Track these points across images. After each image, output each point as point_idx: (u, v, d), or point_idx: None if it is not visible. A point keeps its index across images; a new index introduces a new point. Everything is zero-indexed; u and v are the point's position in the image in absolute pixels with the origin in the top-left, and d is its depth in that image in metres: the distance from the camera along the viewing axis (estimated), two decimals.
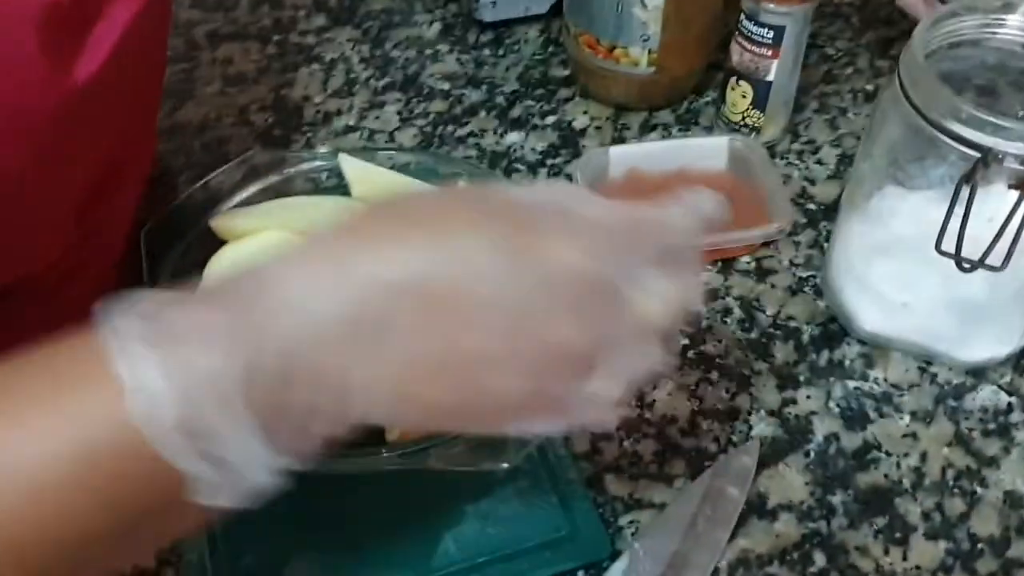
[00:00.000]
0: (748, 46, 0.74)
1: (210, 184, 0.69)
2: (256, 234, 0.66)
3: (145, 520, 0.36)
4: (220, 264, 0.64)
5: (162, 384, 0.33)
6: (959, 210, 0.54)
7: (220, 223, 0.66)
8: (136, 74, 0.58)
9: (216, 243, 0.67)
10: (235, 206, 0.67)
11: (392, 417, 0.42)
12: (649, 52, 0.77)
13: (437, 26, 0.91)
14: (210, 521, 0.38)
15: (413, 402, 0.38)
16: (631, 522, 0.56)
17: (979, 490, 0.58)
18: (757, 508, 0.57)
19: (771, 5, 0.71)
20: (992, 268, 0.55)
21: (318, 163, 0.71)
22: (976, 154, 0.53)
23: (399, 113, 0.83)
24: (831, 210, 0.74)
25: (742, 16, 0.73)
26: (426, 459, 0.55)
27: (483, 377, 0.38)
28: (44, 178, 0.50)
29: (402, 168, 0.71)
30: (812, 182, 0.76)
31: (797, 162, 0.78)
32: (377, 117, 0.83)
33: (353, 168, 0.69)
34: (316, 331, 0.36)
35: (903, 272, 0.62)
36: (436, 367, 0.37)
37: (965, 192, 0.53)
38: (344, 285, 0.36)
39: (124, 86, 0.56)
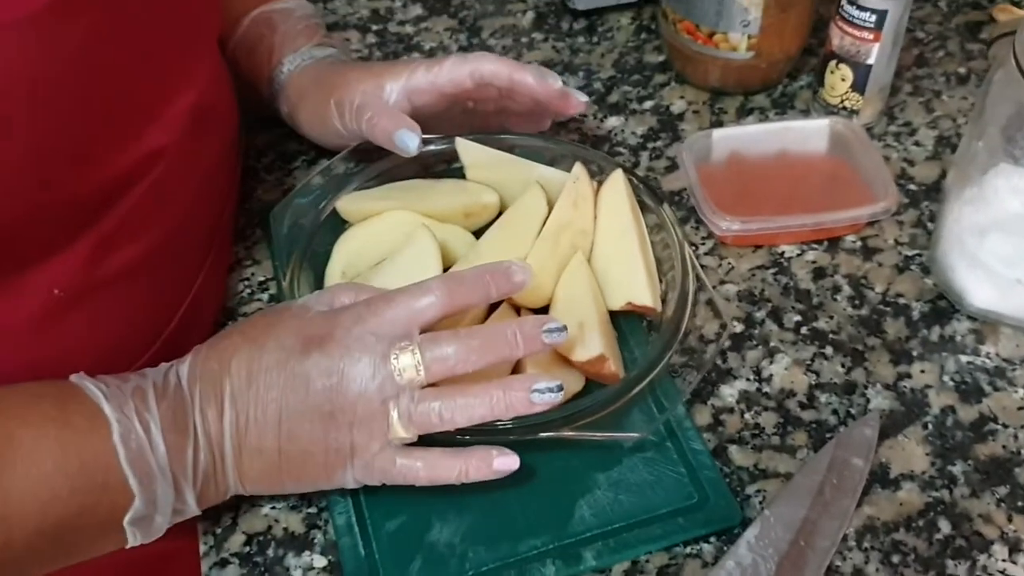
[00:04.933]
0: (849, 30, 0.75)
1: (329, 168, 0.71)
2: (380, 215, 0.68)
3: (88, 525, 0.49)
4: (351, 242, 0.67)
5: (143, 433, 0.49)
6: None
7: (344, 205, 0.69)
8: None
9: (339, 224, 0.69)
10: (354, 189, 0.70)
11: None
12: (749, 37, 0.79)
13: (531, 15, 0.93)
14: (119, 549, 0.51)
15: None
16: (758, 491, 0.58)
17: None
18: (880, 478, 0.58)
19: None
20: None
21: (428, 148, 0.73)
22: None
23: None
24: (932, 190, 0.75)
25: (843, 0, 0.74)
26: (558, 428, 0.57)
27: None
28: None
29: (508, 151, 0.73)
30: (911, 163, 0.78)
31: (895, 144, 0.79)
32: None
33: (468, 152, 0.71)
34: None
35: (1017, 249, 0.63)
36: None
37: None
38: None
39: None
